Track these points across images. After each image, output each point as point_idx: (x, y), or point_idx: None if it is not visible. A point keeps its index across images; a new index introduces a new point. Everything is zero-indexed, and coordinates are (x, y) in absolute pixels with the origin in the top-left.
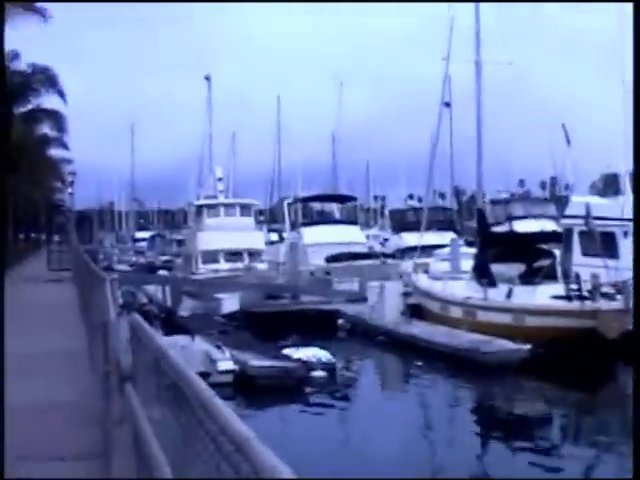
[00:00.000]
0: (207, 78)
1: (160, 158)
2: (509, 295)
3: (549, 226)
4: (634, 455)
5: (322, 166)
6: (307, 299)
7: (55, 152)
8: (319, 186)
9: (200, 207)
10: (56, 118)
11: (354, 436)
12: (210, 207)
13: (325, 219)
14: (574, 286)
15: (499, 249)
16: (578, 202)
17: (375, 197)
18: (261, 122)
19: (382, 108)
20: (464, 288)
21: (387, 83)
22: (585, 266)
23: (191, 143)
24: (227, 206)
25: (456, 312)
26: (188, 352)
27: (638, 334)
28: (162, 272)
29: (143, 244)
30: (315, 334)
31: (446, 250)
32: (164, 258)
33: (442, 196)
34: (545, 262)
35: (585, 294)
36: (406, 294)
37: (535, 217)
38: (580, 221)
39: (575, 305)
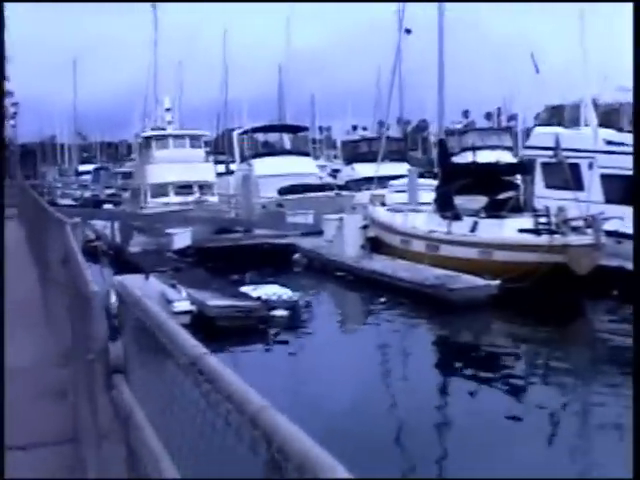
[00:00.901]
0: (153, 6)
1: (102, 90)
2: (474, 229)
3: (506, 157)
4: (634, 455)
5: (267, 98)
6: (260, 233)
7: None
8: (264, 118)
9: (148, 139)
10: None
11: (316, 380)
12: (159, 138)
13: (276, 150)
14: (543, 219)
15: (461, 181)
16: (541, 132)
17: (320, 128)
18: (207, 53)
19: (329, 41)
20: (426, 221)
21: (335, 16)
22: (548, 198)
23: (134, 75)
24: (176, 137)
25: (418, 246)
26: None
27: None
28: (108, 206)
29: (87, 177)
30: (270, 269)
31: (400, 181)
32: (109, 192)
33: (387, 126)
34: (509, 194)
35: (552, 228)
36: (364, 227)
37: (491, 148)
38: (542, 152)
39: (544, 239)
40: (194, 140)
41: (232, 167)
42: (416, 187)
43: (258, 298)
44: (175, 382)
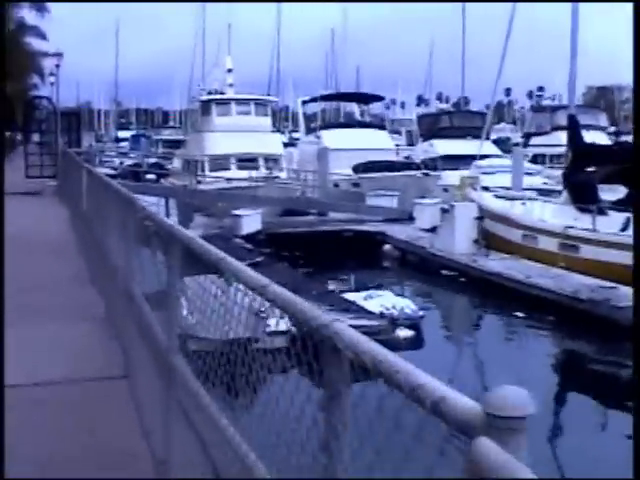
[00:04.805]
0: None
1: (138, 57)
2: (626, 227)
3: (602, 139)
4: (634, 455)
5: (312, 73)
6: (338, 217)
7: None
8: (309, 92)
9: (207, 103)
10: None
11: None
12: (220, 103)
13: (348, 122)
14: None
15: (605, 167)
16: None
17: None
18: (253, 22)
19: (377, 19)
20: (558, 214)
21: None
22: None
23: (173, 42)
24: (240, 102)
25: (548, 244)
26: None
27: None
28: (150, 177)
29: (125, 144)
30: (354, 263)
31: (486, 162)
32: (151, 161)
33: (426, 102)
34: None
35: None
36: (479, 218)
37: (585, 128)
38: None
39: None
40: (260, 106)
41: (284, 139)
42: (522, 170)
43: (380, 314)
44: None
